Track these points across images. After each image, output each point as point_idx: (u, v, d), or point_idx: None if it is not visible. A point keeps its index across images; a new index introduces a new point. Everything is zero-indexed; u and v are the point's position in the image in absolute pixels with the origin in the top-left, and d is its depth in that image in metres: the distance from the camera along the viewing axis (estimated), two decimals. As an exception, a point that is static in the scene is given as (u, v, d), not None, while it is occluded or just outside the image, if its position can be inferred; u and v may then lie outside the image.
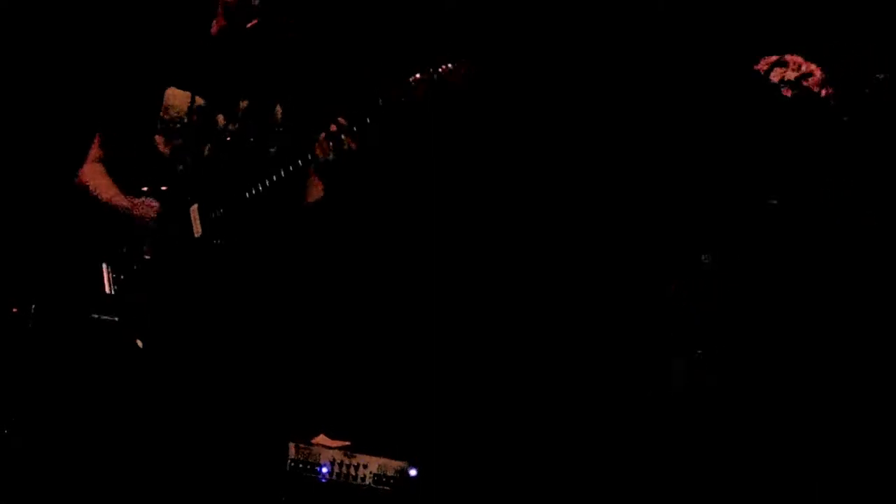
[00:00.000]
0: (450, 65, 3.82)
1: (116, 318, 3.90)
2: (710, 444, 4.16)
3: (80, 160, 4.16)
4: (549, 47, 4.89)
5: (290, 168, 3.88)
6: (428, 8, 4.84)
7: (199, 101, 4.03)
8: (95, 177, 4.14)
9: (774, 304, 4.12)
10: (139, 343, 3.89)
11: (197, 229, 3.93)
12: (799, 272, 4.08)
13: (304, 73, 4.14)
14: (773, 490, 4.06)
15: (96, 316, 3.90)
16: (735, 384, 4.16)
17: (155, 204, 4.00)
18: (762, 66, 3.91)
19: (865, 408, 3.98)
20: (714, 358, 4.21)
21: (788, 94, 3.90)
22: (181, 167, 4.03)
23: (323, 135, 3.84)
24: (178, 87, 4.03)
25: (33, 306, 4.30)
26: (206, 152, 4.03)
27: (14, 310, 4.31)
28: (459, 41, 4.64)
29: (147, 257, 4.00)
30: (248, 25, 4.01)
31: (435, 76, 3.81)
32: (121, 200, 4.06)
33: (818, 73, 3.88)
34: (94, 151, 4.17)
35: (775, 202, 4.09)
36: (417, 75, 3.81)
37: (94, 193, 4.12)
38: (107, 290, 3.94)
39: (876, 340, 3.97)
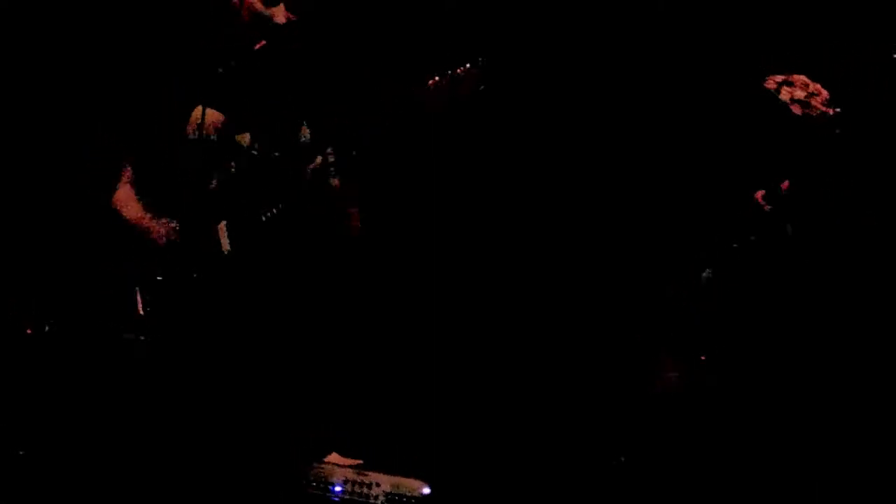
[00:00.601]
0: (459, 70, 3.87)
1: (148, 339, 3.91)
2: (709, 445, 4.21)
3: (112, 180, 4.18)
4: (551, 48, 4.94)
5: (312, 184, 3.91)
6: (429, 8, 4.88)
7: (226, 118, 4.07)
8: (121, 193, 4.16)
9: (774, 305, 4.18)
10: (166, 359, 3.90)
11: (225, 245, 3.96)
12: (799, 272, 4.15)
13: (319, 85, 4.18)
14: (773, 490, 4.10)
15: (129, 336, 3.90)
16: (734, 384, 4.21)
17: (175, 225, 4.02)
18: (770, 84, 4.02)
19: (866, 409, 4.04)
20: (714, 358, 4.26)
21: (798, 111, 4.01)
22: (209, 184, 4.05)
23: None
24: (207, 106, 4.07)
25: (47, 326, 4.27)
26: (232, 169, 4.07)
27: (28, 331, 4.27)
28: (462, 42, 4.70)
29: (159, 278, 4.01)
30: (257, 47, 4.06)
31: (445, 82, 3.86)
32: (146, 221, 4.09)
33: (824, 92, 4.00)
34: (123, 168, 4.20)
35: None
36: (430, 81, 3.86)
37: (118, 210, 4.14)
38: (140, 311, 3.96)
39: (876, 340, 4.05)
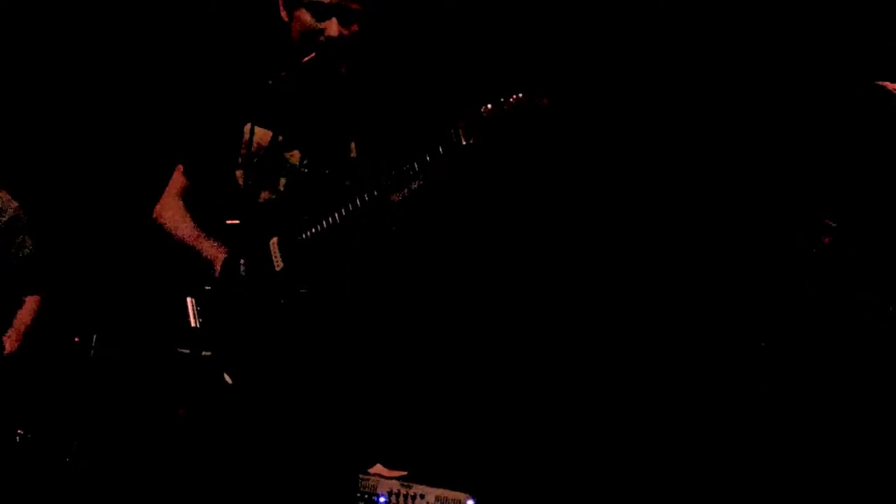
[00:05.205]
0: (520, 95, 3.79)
1: (205, 353, 3.91)
2: (710, 445, 4.22)
3: (159, 193, 4.18)
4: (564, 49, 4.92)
5: (366, 200, 3.87)
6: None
7: (279, 136, 4.05)
8: (172, 211, 4.16)
9: (776, 305, 4.18)
10: (227, 378, 3.89)
11: (277, 263, 3.94)
12: (802, 274, 4.16)
13: (373, 104, 4.16)
14: (774, 490, 4.11)
15: (183, 350, 3.90)
16: (738, 384, 4.22)
17: (223, 247, 4.01)
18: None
19: (866, 410, 4.05)
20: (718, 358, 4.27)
21: None
22: (260, 201, 4.05)
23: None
24: (257, 123, 4.06)
25: (94, 336, 4.28)
26: (282, 187, 4.05)
27: (76, 339, 4.29)
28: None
29: (208, 288, 4.00)
30: (304, 60, 4.03)
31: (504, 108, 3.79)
32: (193, 238, 4.08)
33: None
34: (173, 184, 4.20)
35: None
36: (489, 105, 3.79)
37: (169, 227, 4.14)
38: (192, 323, 3.94)
39: (878, 342, 4.05)
